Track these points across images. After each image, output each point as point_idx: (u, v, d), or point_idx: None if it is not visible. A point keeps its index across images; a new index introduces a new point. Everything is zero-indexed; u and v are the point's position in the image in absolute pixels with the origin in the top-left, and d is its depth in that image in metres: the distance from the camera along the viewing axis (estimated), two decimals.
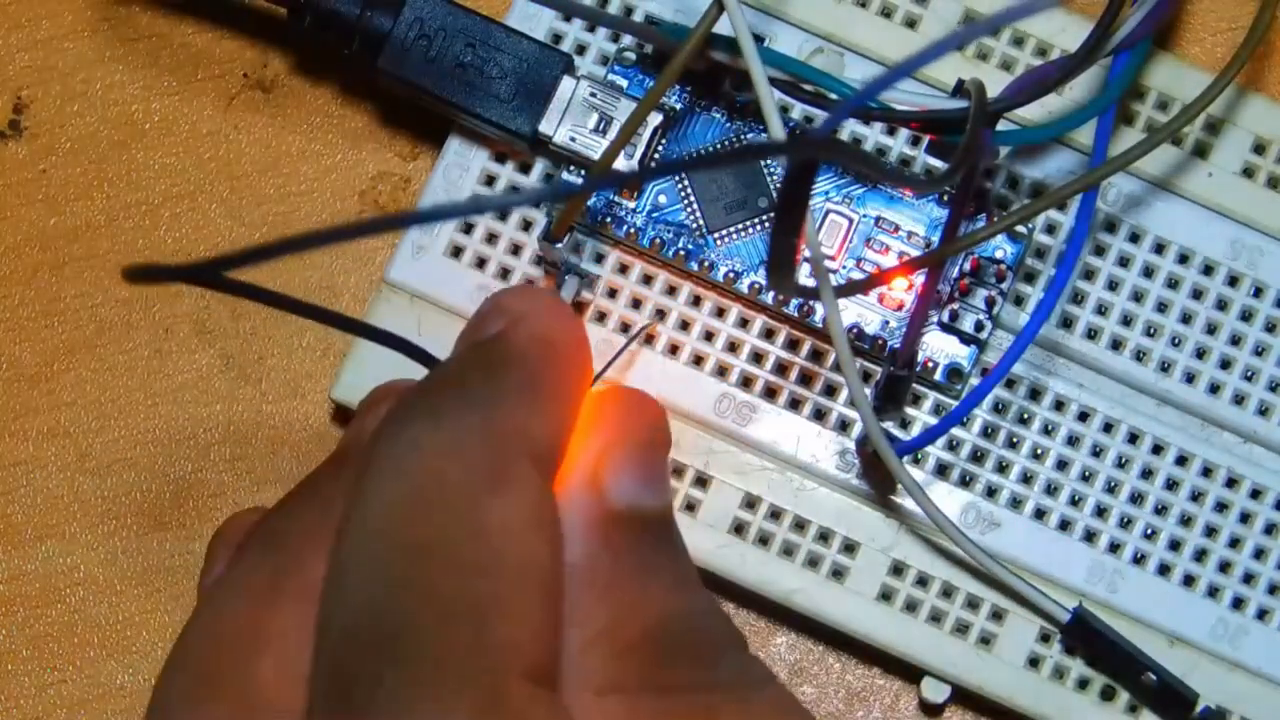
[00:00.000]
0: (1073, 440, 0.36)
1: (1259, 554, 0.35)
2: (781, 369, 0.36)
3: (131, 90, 0.38)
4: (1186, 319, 0.36)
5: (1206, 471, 0.36)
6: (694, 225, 0.36)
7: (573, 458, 0.28)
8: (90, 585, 0.37)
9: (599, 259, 0.36)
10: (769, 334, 0.36)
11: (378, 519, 0.26)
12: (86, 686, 0.37)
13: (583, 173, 0.35)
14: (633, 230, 0.36)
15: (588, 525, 0.28)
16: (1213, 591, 0.35)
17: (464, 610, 0.25)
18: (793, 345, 0.36)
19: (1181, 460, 0.36)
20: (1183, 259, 0.36)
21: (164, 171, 0.38)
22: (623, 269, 0.36)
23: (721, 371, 0.36)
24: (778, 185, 0.35)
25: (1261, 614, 0.35)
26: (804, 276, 0.35)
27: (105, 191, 0.38)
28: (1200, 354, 0.36)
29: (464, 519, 0.26)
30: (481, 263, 0.36)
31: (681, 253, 0.36)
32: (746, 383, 0.36)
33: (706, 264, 0.36)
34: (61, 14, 0.38)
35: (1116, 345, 0.36)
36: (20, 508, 0.37)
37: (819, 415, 0.36)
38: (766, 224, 0.35)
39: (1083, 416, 0.36)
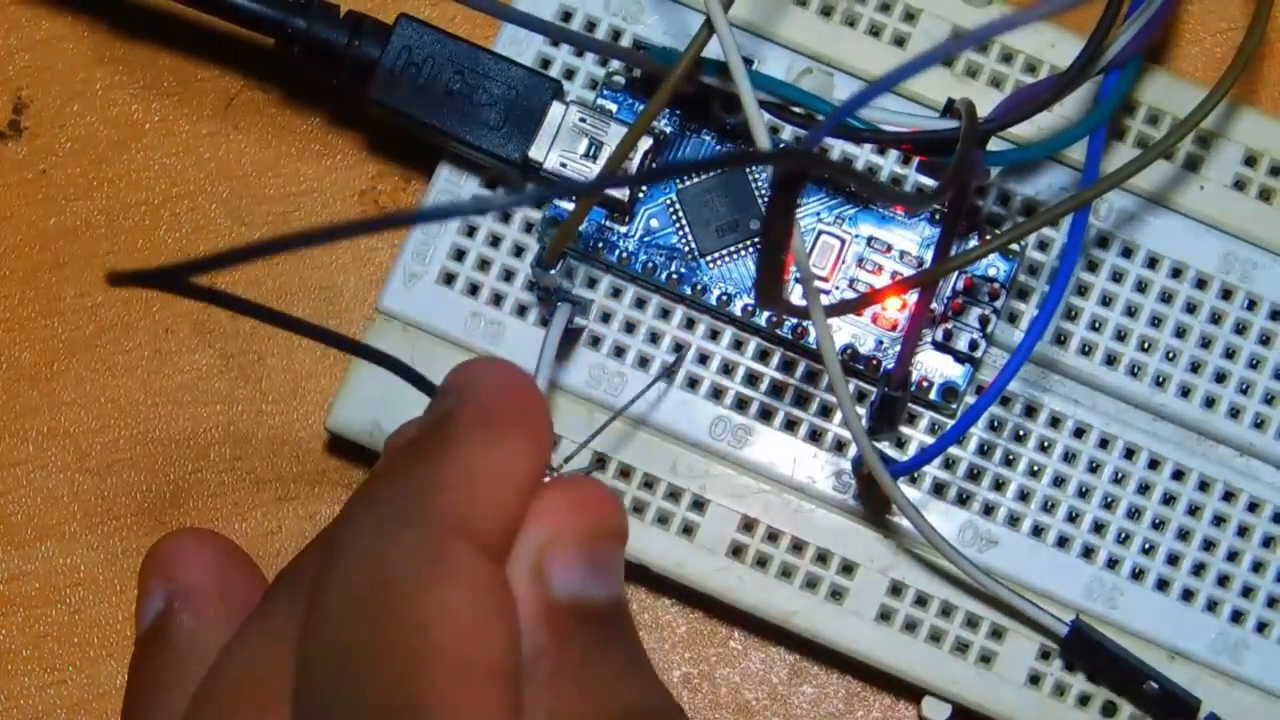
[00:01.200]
0: (1069, 456, 0.36)
1: (1257, 567, 0.35)
2: (776, 391, 0.36)
3: (131, 90, 0.38)
4: (1181, 333, 0.36)
5: (1203, 485, 0.36)
6: (686, 249, 0.36)
7: (518, 545, 0.27)
8: (90, 585, 0.37)
9: (591, 284, 0.36)
10: (763, 356, 0.36)
11: (323, 620, 0.25)
12: (86, 686, 0.37)
13: (573, 199, 0.35)
14: (625, 255, 0.36)
15: (533, 615, 0.26)
16: (1212, 605, 0.35)
17: (401, 712, 0.24)
18: (787, 367, 0.36)
19: (1178, 475, 0.36)
20: (1176, 273, 0.36)
21: (164, 171, 0.38)
22: (616, 294, 0.36)
23: (717, 394, 0.36)
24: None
25: (1261, 627, 0.35)
26: (795, 298, 0.35)
27: (105, 191, 0.38)
28: (1195, 368, 0.36)
29: (401, 613, 0.25)
30: (474, 290, 0.36)
31: (674, 277, 0.36)
32: (742, 405, 0.36)
33: (699, 288, 0.36)
34: (61, 14, 0.38)
35: (1111, 361, 0.36)
36: (20, 508, 0.37)
37: (815, 436, 0.36)
38: (758, 246, 0.35)
39: (1079, 433, 0.36)
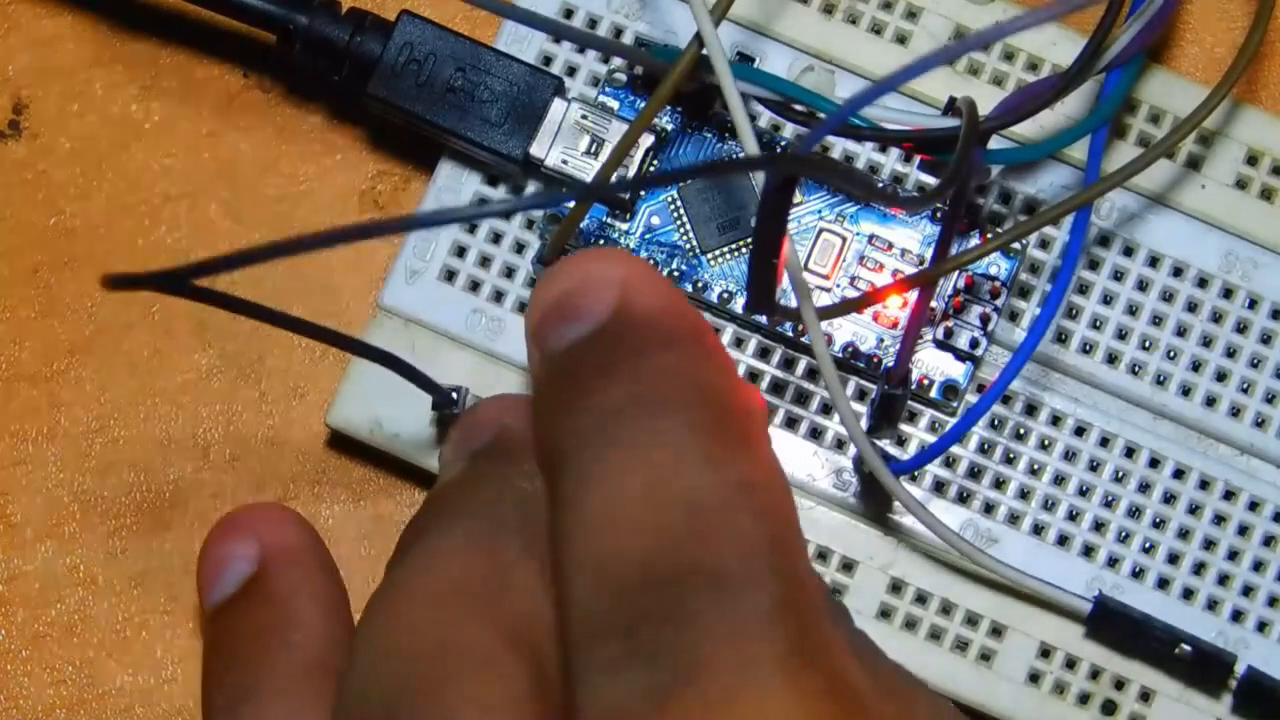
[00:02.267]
0: (1069, 455, 0.36)
1: (1258, 566, 0.35)
2: (777, 388, 0.36)
3: (131, 90, 0.38)
4: (1182, 332, 0.36)
5: (1204, 484, 0.36)
6: (687, 246, 0.36)
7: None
8: (90, 585, 0.37)
9: None
10: (764, 353, 0.36)
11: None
12: (86, 686, 0.37)
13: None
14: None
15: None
16: (1212, 604, 0.35)
17: None
18: (788, 364, 0.36)
19: (1179, 473, 0.36)
20: (1177, 272, 0.36)
21: (164, 171, 0.38)
22: None
23: None
24: None
25: (1261, 626, 0.35)
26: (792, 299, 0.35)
27: (105, 191, 0.38)
28: (1196, 367, 0.36)
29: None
30: (475, 286, 0.36)
31: (675, 274, 0.36)
32: None
33: (700, 284, 0.36)
34: (61, 14, 0.38)
35: (1112, 359, 0.36)
36: (20, 508, 0.37)
37: (815, 434, 0.36)
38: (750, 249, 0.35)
39: (1079, 431, 0.36)
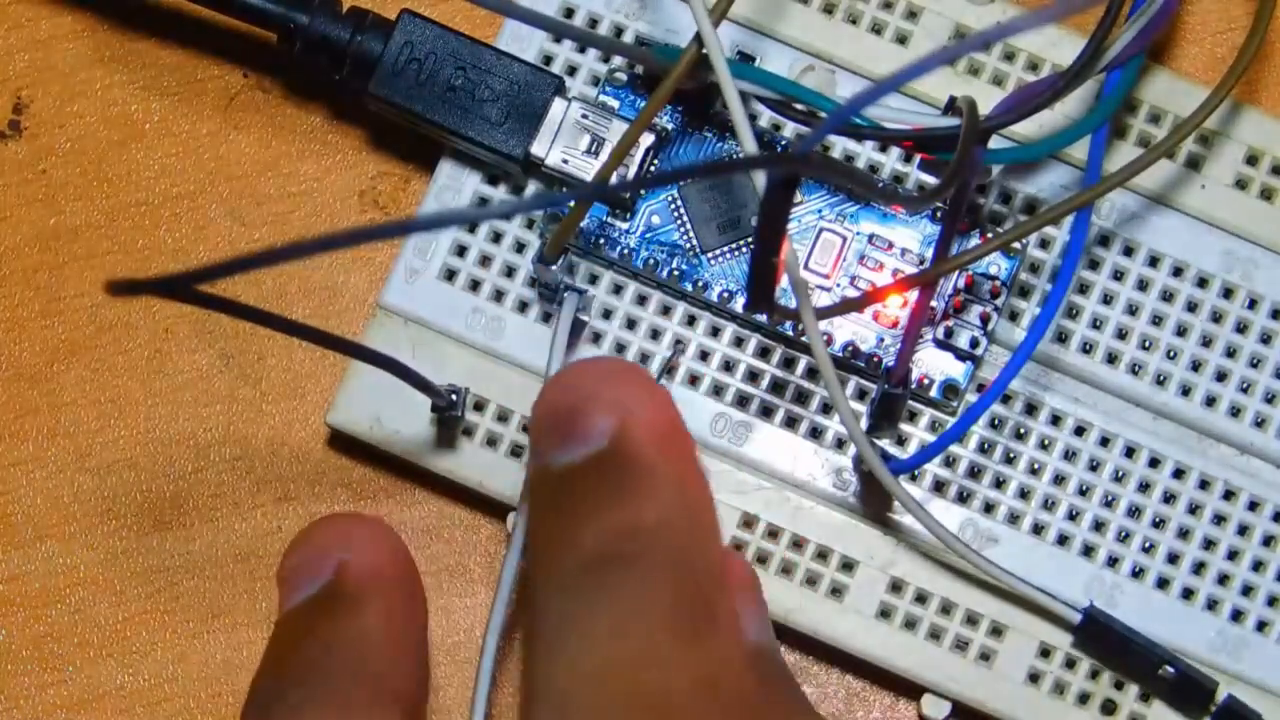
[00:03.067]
0: (1069, 455, 0.36)
1: (1257, 566, 0.35)
2: (777, 387, 0.36)
3: (131, 90, 0.38)
4: (1182, 332, 0.36)
5: (1204, 484, 0.36)
6: (687, 245, 0.36)
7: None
8: (90, 585, 0.37)
9: (593, 281, 0.36)
10: (764, 353, 0.36)
11: None
12: (86, 686, 0.37)
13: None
14: (626, 251, 0.36)
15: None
16: (1212, 604, 0.35)
17: None
18: (788, 364, 0.36)
19: (1179, 473, 0.36)
20: (1177, 272, 0.36)
21: (164, 171, 0.38)
22: (617, 290, 0.36)
23: (717, 391, 0.36)
24: None
25: (1261, 626, 0.35)
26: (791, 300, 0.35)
27: (105, 191, 0.38)
28: (1196, 366, 0.36)
29: None
30: (475, 285, 0.36)
31: (675, 273, 0.36)
32: (742, 402, 0.36)
33: (700, 284, 0.36)
34: (61, 14, 0.38)
35: (1112, 359, 0.36)
36: (20, 508, 0.37)
37: (815, 433, 0.36)
38: (750, 248, 0.35)
39: (1079, 431, 0.36)
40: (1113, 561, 0.35)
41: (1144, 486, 0.36)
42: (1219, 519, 0.35)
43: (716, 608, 0.27)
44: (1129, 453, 0.36)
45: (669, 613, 0.26)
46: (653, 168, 0.36)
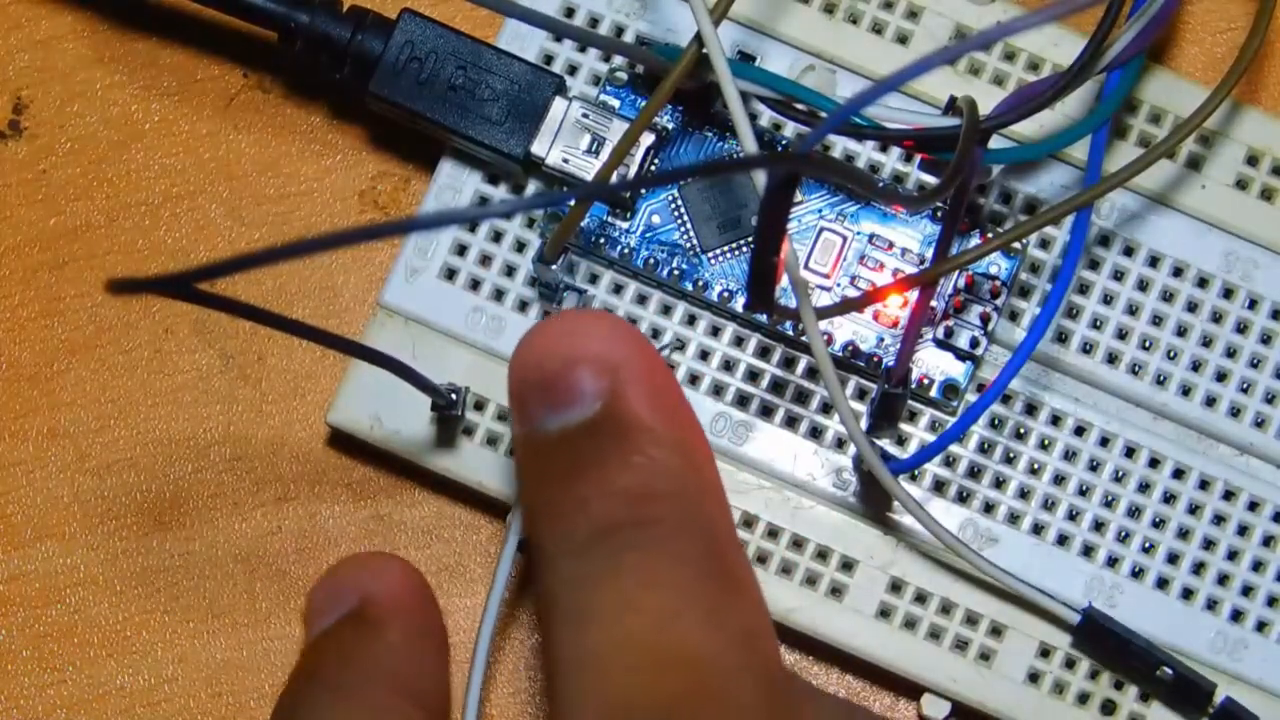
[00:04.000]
0: (1069, 455, 0.36)
1: (1257, 566, 0.35)
2: (777, 387, 0.36)
3: (131, 90, 0.38)
4: (1182, 332, 0.36)
5: (1204, 484, 0.36)
6: (688, 245, 0.36)
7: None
8: (90, 585, 0.37)
9: (593, 280, 0.36)
10: (764, 352, 0.36)
11: None
12: (86, 686, 0.37)
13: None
14: (626, 250, 0.36)
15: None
16: (1211, 604, 0.35)
17: None
18: (788, 363, 0.36)
19: (1179, 473, 0.36)
20: (1177, 272, 0.36)
21: (164, 171, 0.38)
22: (617, 290, 0.36)
23: (717, 390, 0.36)
24: None
25: (1260, 626, 0.35)
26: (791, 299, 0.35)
27: (105, 191, 0.38)
28: (1196, 367, 0.36)
29: None
30: (476, 285, 0.36)
31: (675, 272, 0.36)
32: (742, 401, 0.36)
33: (700, 283, 0.36)
34: (61, 14, 0.38)
35: (1112, 359, 0.36)
36: (20, 508, 0.37)
37: (815, 433, 0.36)
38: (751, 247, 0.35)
39: (1079, 431, 0.36)
40: (1112, 561, 0.35)
41: (1144, 486, 0.36)
42: (1219, 519, 0.35)
43: (738, 567, 0.26)
44: (1129, 453, 0.36)
45: (695, 573, 0.26)
46: (653, 167, 0.36)
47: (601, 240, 0.36)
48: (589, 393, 0.27)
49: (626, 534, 0.26)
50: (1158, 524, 0.35)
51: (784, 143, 0.36)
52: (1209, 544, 0.35)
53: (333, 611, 0.31)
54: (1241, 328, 0.36)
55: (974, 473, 0.36)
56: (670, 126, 0.36)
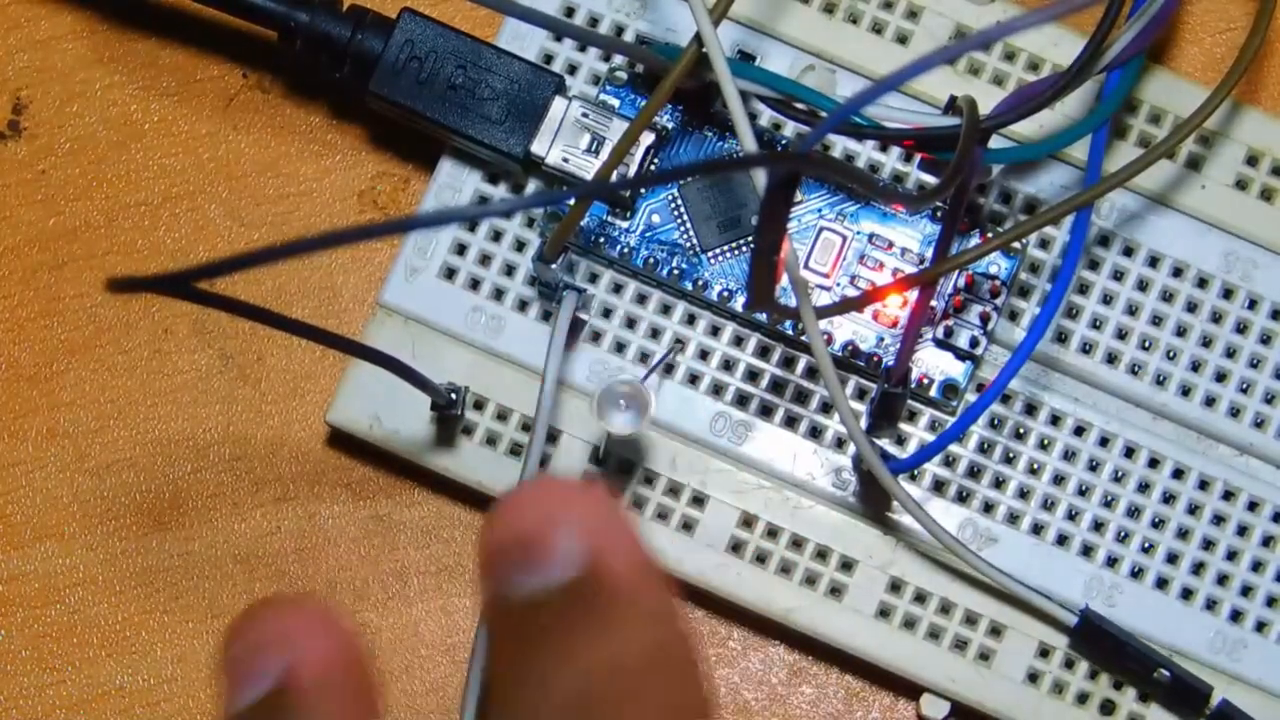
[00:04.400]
0: (1069, 455, 0.36)
1: (1257, 566, 0.35)
2: (777, 387, 0.36)
3: (131, 90, 0.38)
4: (1181, 332, 0.36)
5: (1203, 484, 0.36)
6: (687, 244, 0.36)
7: None
8: (89, 585, 0.37)
9: (593, 280, 0.36)
10: (764, 352, 0.36)
11: None
12: (86, 686, 0.37)
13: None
14: (626, 250, 0.36)
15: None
16: (1211, 604, 0.35)
17: None
18: (788, 363, 0.36)
19: (1178, 473, 0.36)
20: (1177, 272, 0.36)
21: (163, 171, 0.38)
22: (617, 289, 0.36)
23: (717, 390, 0.36)
24: None
25: (1260, 626, 0.35)
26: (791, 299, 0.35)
27: (105, 191, 0.38)
28: (1196, 367, 0.36)
29: None
30: (475, 284, 0.36)
31: (675, 272, 0.36)
32: (742, 401, 0.36)
33: (700, 283, 0.36)
34: (61, 14, 0.38)
35: (1112, 359, 0.36)
36: (20, 508, 0.37)
37: (815, 433, 0.36)
38: (751, 247, 0.35)
39: (1079, 431, 0.36)
40: (1112, 561, 0.35)
41: (1143, 487, 0.36)
42: (1218, 519, 0.35)
43: None
44: (1128, 453, 0.36)
45: None
46: (653, 166, 0.36)
47: (601, 239, 0.36)
48: (566, 555, 0.25)
49: (593, 711, 0.25)
50: (1157, 524, 0.35)
51: (784, 142, 0.36)
52: (1208, 544, 0.35)
53: (251, 679, 0.28)
54: (1241, 328, 0.36)
55: (973, 472, 0.36)
56: (670, 126, 0.36)
